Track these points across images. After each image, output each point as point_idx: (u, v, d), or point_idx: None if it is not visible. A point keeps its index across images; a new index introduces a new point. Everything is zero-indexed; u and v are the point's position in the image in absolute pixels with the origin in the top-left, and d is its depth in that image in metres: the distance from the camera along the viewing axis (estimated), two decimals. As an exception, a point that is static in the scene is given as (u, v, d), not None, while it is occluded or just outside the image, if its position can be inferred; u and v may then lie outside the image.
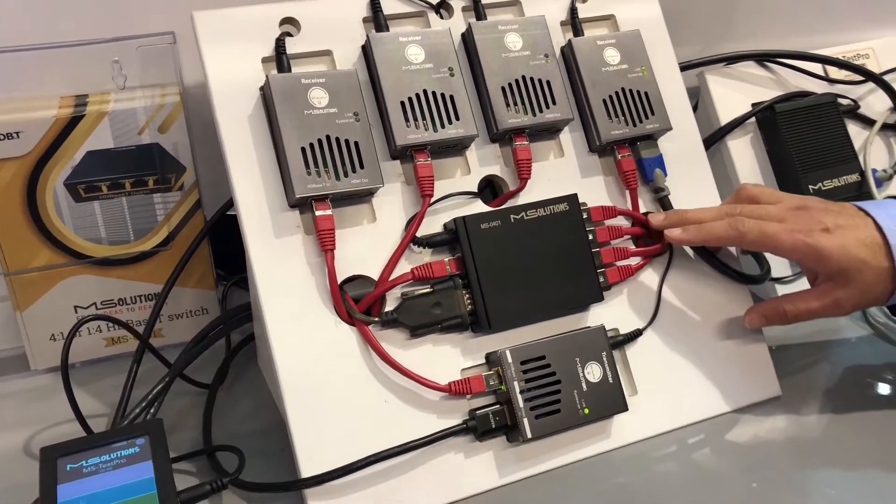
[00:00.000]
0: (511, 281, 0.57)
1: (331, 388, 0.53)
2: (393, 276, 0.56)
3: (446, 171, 0.60)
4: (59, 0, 0.67)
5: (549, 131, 0.63)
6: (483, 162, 0.61)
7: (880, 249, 0.56)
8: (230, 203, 0.70)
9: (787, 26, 0.89)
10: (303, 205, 0.55)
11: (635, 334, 0.61)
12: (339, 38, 0.59)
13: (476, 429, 0.55)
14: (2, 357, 0.72)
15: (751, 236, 0.58)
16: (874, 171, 0.81)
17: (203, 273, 0.73)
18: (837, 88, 0.84)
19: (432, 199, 0.58)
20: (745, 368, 0.63)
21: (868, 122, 0.84)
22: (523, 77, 0.61)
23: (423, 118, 0.57)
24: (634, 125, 0.63)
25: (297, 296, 0.54)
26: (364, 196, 0.57)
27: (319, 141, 0.55)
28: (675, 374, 0.62)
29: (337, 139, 0.55)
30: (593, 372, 0.57)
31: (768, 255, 0.68)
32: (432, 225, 0.58)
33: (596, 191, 0.63)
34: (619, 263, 0.62)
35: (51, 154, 0.65)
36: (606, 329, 0.59)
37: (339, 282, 0.55)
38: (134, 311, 0.72)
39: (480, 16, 0.62)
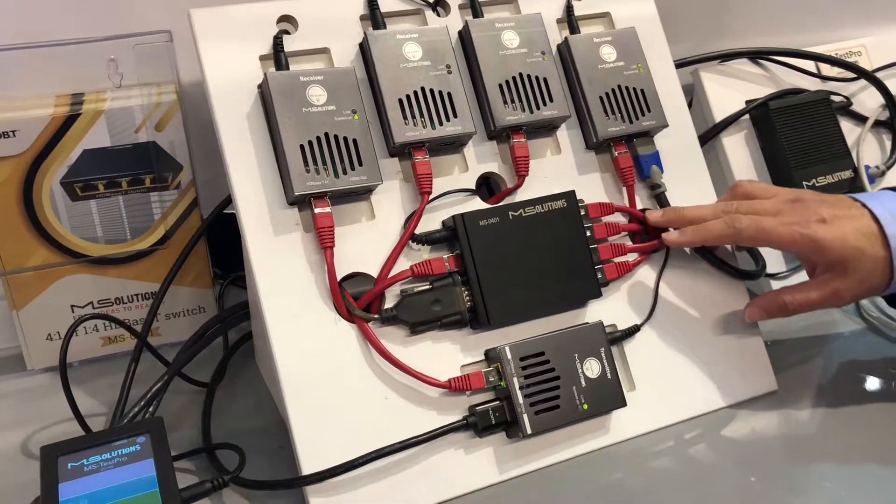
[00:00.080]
0: (510, 277, 0.57)
1: (331, 385, 0.54)
2: (392, 274, 0.56)
3: (444, 169, 0.60)
4: (55, -2, 0.67)
5: (546, 128, 0.63)
6: (481, 159, 0.61)
7: (877, 238, 0.56)
8: (227, 201, 0.70)
9: (780, 24, 0.89)
10: (302, 202, 0.55)
11: (633, 330, 0.61)
12: (336, 36, 0.59)
13: (476, 425, 0.55)
14: (-2, 357, 0.72)
15: (747, 232, 0.58)
16: (867, 167, 0.82)
17: (200, 272, 0.73)
18: (830, 85, 0.85)
19: (431, 197, 0.58)
20: (741, 363, 0.64)
21: (860, 118, 0.85)
22: (520, 74, 0.61)
23: (421, 115, 0.57)
24: (631, 122, 0.63)
25: (297, 293, 0.54)
26: (363, 193, 0.57)
27: (318, 138, 0.55)
28: (672, 370, 0.62)
29: (336, 137, 0.55)
30: (592, 368, 0.57)
31: (764, 251, 0.68)
32: (431, 222, 0.59)
33: (593, 188, 0.64)
34: (617, 260, 0.62)
35: (47, 153, 0.65)
36: (604, 325, 0.59)
37: (338, 279, 0.55)
38: (131, 311, 0.71)
39: (477, 13, 0.62)
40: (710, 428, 0.61)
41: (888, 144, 0.85)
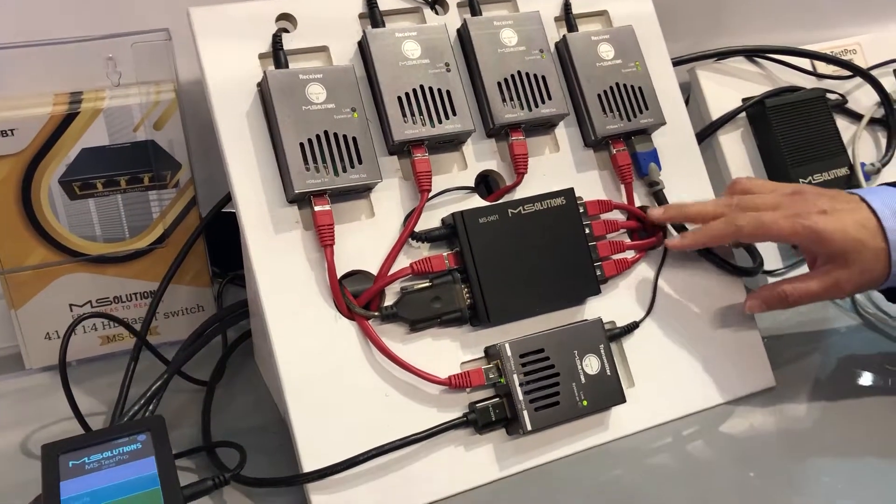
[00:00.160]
0: (509, 275, 0.57)
1: (331, 382, 0.54)
2: (392, 271, 0.56)
3: (443, 167, 0.60)
4: (53, -3, 0.67)
5: (545, 126, 0.63)
6: (479, 157, 0.61)
7: (876, 231, 0.57)
8: (225, 200, 0.70)
9: (775, 22, 0.90)
10: (301, 200, 0.56)
11: (632, 327, 0.62)
12: (335, 34, 0.59)
13: (476, 422, 0.55)
14: (-4, 356, 0.72)
15: (748, 229, 0.59)
16: (863, 164, 0.82)
17: (198, 270, 0.73)
18: (825, 83, 0.85)
19: (430, 195, 0.58)
20: (739, 360, 0.64)
21: (856, 116, 0.85)
22: (519, 72, 0.61)
23: (421, 113, 0.58)
24: (629, 120, 0.64)
25: (297, 291, 0.54)
26: (362, 191, 0.57)
27: (318, 136, 0.55)
28: (671, 366, 0.62)
29: (335, 135, 0.55)
30: (591, 364, 0.58)
31: (761, 248, 0.69)
32: (430, 220, 0.59)
33: (591, 185, 0.64)
34: (616, 257, 0.62)
35: (45, 151, 0.65)
36: (603, 322, 0.59)
37: (338, 277, 0.55)
38: (129, 309, 0.71)
39: (475, 11, 0.62)
40: (708, 424, 0.61)
41: (883, 142, 0.86)
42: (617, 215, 0.64)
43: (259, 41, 0.57)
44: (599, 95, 0.63)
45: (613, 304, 0.62)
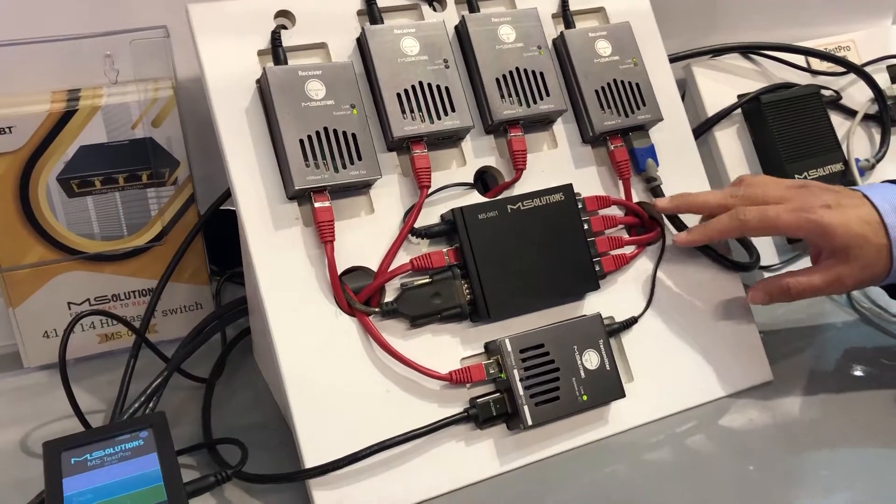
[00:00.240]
0: (509, 270, 0.58)
1: (332, 378, 0.54)
2: (392, 267, 0.56)
3: (442, 163, 0.60)
4: (51, -6, 0.67)
5: (543, 123, 0.64)
6: (478, 153, 0.62)
7: (879, 227, 0.57)
8: (223, 198, 0.70)
9: (770, 19, 0.90)
10: (301, 197, 0.56)
11: (630, 322, 0.62)
12: (334, 31, 0.59)
13: (477, 417, 0.55)
14: (-6, 355, 0.72)
15: (753, 223, 0.59)
16: (857, 160, 0.83)
17: (197, 268, 0.73)
18: (820, 80, 0.86)
19: (429, 191, 0.58)
20: (737, 354, 0.65)
21: (850, 112, 0.86)
22: (517, 69, 0.61)
23: (420, 110, 0.58)
24: (626, 116, 0.64)
25: (297, 288, 0.54)
26: (362, 188, 0.58)
27: (317, 133, 0.55)
28: (669, 361, 0.63)
29: (335, 131, 0.55)
30: (591, 359, 0.58)
31: (758, 243, 0.69)
32: (429, 216, 0.59)
33: (589, 181, 0.64)
34: (614, 252, 0.62)
35: (43, 149, 0.65)
36: (602, 317, 0.60)
37: (338, 273, 0.55)
38: (128, 307, 0.71)
39: (473, 8, 0.63)
40: (707, 418, 0.62)
41: (877, 137, 0.86)
42: (615, 211, 0.64)
43: (258, 38, 0.57)
44: (597, 92, 0.64)
45: (612, 299, 0.62)
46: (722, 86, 0.81)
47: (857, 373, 0.67)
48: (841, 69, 0.86)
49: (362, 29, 0.58)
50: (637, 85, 0.65)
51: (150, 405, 0.60)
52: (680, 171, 0.67)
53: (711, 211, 0.63)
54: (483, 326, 0.58)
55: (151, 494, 0.46)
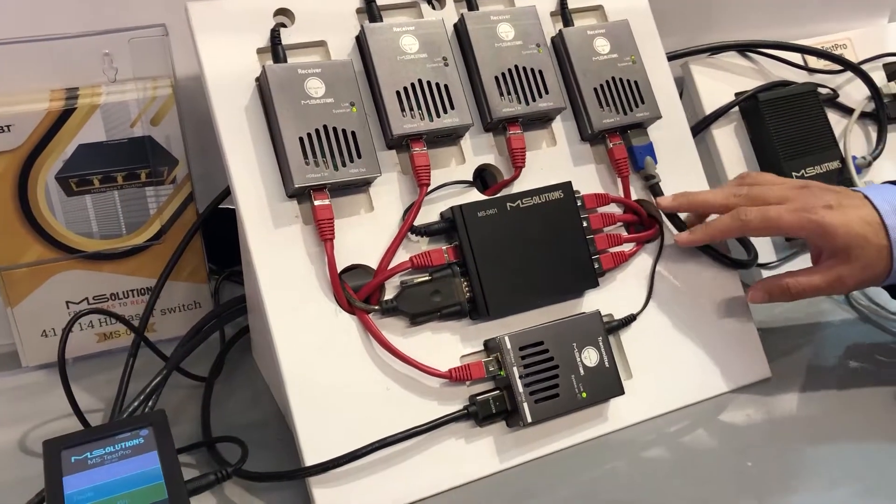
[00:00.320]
0: (508, 268, 0.58)
1: (332, 376, 0.54)
2: (391, 265, 0.56)
3: (441, 161, 0.60)
4: (49, -8, 0.67)
5: (542, 120, 0.64)
6: (477, 151, 0.62)
7: (879, 228, 0.58)
8: (222, 196, 0.70)
9: (767, 17, 0.90)
10: (301, 195, 0.56)
11: (629, 319, 0.62)
12: (333, 29, 0.59)
13: (477, 414, 0.56)
14: (-7, 354, 0.72)
15: (754, 223, 0.59)
16: (854, 157, 0.83)
17: (195, 267, 0.72)
18: (817, 78, 0.86)
19: (429, 189, 0.58)
20: (735, 351, 0.65)
21: (847, 110, 0.86)
22: (516, 67, 0.61)
23: (419, 108, 0.58)
24: (625, 113, 0.64)
25: (297, 286, 0.54)
26: (361, 186, 0.58)
27: (317, 131, 0.55)
28: (668, 358, 0.63)
29: (334, 129, 0.55)
30: (590, 356, 0.58)
31: (755, 241, 0.69)
32: (429, 214, 0.59)
33: (588, 179, 0.64)
34: (613, 250, 0.63)
35: (42, 147, 0.65)
36: (601, 314, 0.60)
37: (338, 271, 0.55)
38: (126, 306, 0.71)
39: (472, 6, 0.63)
40: (705, 415, 0.62)
41: (874, 135, 0.87)
42: (614, 208, 0.64)
43: (257, 36, 0.57)
44: (596, 89, 0.64)
45: (611, 296, 0.62)
46: (719, 84, 0.82)
47: (855, 370, 0.68)
48: (838, 67, 0.86)
49: (361, 27, 0.58)
50: (635, 83, 0.65)
51: (150, 404, 0.60)
52: (678, 169, 0.67)
53: (714, 210, 0.63)
54: (483, 324, 0.58)
55: (152, 492, 0.46)
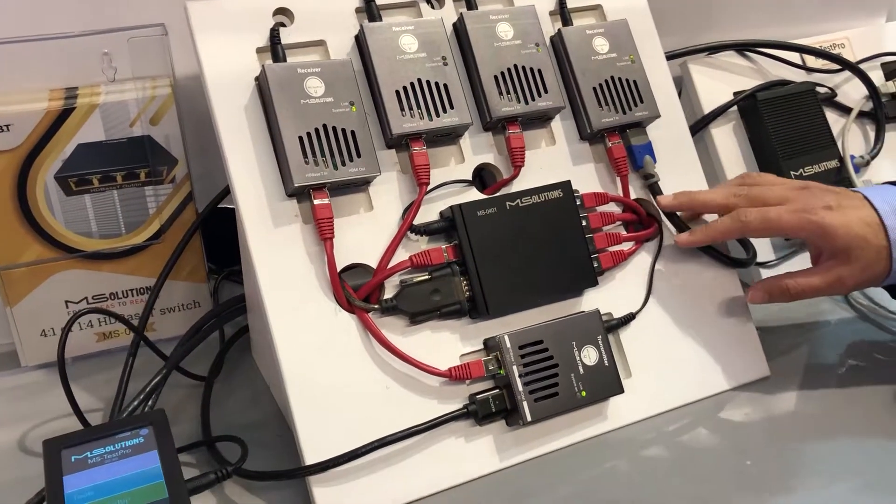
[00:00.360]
0: (507, 267, 0.58)
1: (332, 375, 0.54)
2: (391, 264, 0.56)
3: (441, 160, 0.61)
4: (47, -8, 0.67)
5: (541, 120, 0.64)
6: (476, 150, 0.62)
7: (879, 229, 0.58)
8: (221, 196, 0.70)
9: (765, 17, 0.90)
10: (301, 194, 0.56)
11: (628, 318, 0.62)
12: (332, 28, 0.59)
13: (476, 413, 0.56)
14: (-8, 354, 0.72)
15: (754, 224, 0.60)
16: (852, 157, 0.83)
17: (195, 266, 0.72)
18: (815, 77, 0.86)
19: (428, 188, 0.58)
20: (734, 350, 0.65)
21: (845, 109, 0.86)
22: (515, 66, 0.61)
23: (418, 107, 0.58)
24: (624, 113, 0.64)
25: (297, 285, 0.54)
26: (361, 185, 0.58)
27: (316, 130, 0.55)
28: (667, 357, 0.63)
29: (334, 128, 0.55)
30: (589, 355, 0.58)
31: (753, 240, 0.69)
32: (428, 213, 0.59)
33: (587, 178, 0.64)
34: (612, 249, 0.63)
35: (41, 147, 0.65)
36: (601, 313, 0.60)
37: (337, 270, 0.55)
38: (126, 306, 0.71)
39: (471, 6, 0.63)
40: (704, 413, 0.62)
41: (872, 134, 0.87)
42: (613, 207, 0.64)
43: (256, 35, 0.57)
44: (595, 89, 0.64)
45: (610, 295, 0.62)
46: (718, 83, 0.82)
47: (853, 368, 0.68)
48: (836, 66, 0.86)
49: (361, 26, 0.59)
50: (634, 82, 0.65)
51: (149, 403, 0.60)
52: (677, 168, 0.67)
53: (714, 210, 0.63)
54: (482, 323, 0.58)
55: (153, 491, 0.46)
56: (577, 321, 0.59)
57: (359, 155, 0.56)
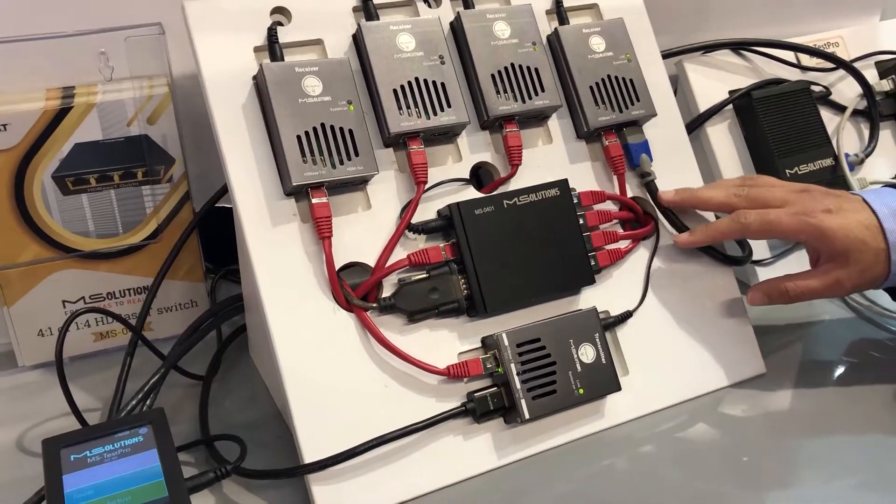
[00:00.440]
0: (505, 265, 0.58)
1: (331, 374, 0.54)
2: (389, 263, 0.57)
3: (438, 159, 0.61)
4: (44, -9, 0.67)
5: (538, 118, 0.64)
6: (474, 149, 0.62)
7: (877, 231, 0.58)
8: (219, 195, 0.70)
9: (760, 16, 0.91)
10: (299, 193, 0.56)
11: (625, 316, 0.62)
12: (329, 27, 0.59)
13: (474, 411, 0.56)
14: (-11, 354, 0.72)
15: (754, 226, 0.60)
16: (847, 155, 0.83)
17: (192, 266, 0.72)
18: (809, 76, 0.86)
19: (426, 186, 0.58)
20: (731, 347, 0.65)
21: (839, 108, 0.86)
22: (512, 65, 0.62)
23: (416, 106, 0.58)
24: (621, 111, 0.64)
25: (296, 284, 0.55)
26: (359, 184, 0.58)
27: (315, 129, 0.55)
28: (664, 354, 0.63)
29: (332, 127, 0.55)
30: (587, 353, 0.58)
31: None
32: (426, 212, 0.59)
33: (584, 176, 0.65)
34: (609, 247, 0.63)
35: (38, 147, 0.65)
36: (598, 311, 0.60)
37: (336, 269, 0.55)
38: (123, 305, 0.71)
39: (468, 4, 0.63)
40: (701, 410, 0.62)
41: (866, 133, 0.87)
42: (610, 206, 0.64)
43: (254, 34, 0.57)
44: (591, 87, 0.64)
45: (607, 293, 0.63)
46: (713, 82, 0.82)
47: (848, 365, 0.68)
48: (830, 65, 0.86)
49: (358, 25, 0.59)
50: (631, 81, 0.65)
51: (147, 402, 0.60)
52: (673, 166, 0.67)
53: (715, 208, 0.64)
54: (480, 321, 0.59)
55: (152, 490, 0.46)
56: (575, 319, 0.59)
57: (357, 154, 0.56)
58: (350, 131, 0.56)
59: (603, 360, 0.59)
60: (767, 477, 0.55)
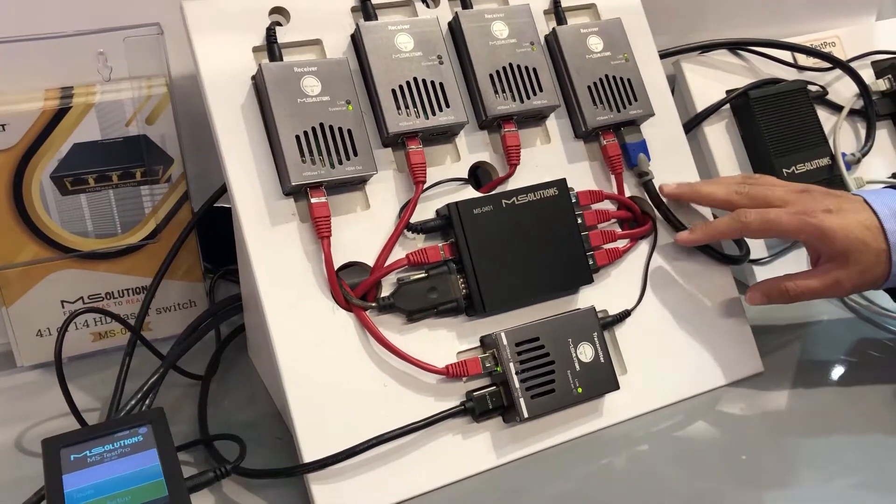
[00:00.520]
0: (504, 265, 0.58)
1: (330, 373, 0.54)
2: (388, 262, 0.57)
3: (437, 159, 0.61)
4: (42, -9, 0.67)
5: (536, 118, 0.64)
6: (472, 149, 0.62)
7: (878, 232, 0.58)
8: (217, 195, 0.70)
9: (757, 16, 0.91)
10: (298, 192, 0.56)
11: (624, 315, 0.62)
12: (328, 28, 0.59)
13: (473, 410, 0.56)
14: (-13, 354, 0.72)
15: (754, 225, 0.60)
16: (843, 154, 0.84)
17: (191, 265, 0.73)
18: (806, 75, 0.87)
19: (425, 186, 0.58)
20: (728, 346, 0.65)
21: (836, 107, 0.87)
22: (510, 65, 0.62)
23: (415, 106, 0.58)
24: (619, 111, 0.65)
25: (295, 283, 0.55)
26: (357, 183, 0.58)
27: (313, 129, 0.55)
28: (662, 353, 0.63)
29: (330, 127, 0.55)
30: (585, 352, 0.58)
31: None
32: (424, 211, 0.59)
33: (582, 176, 0.65)
34: (607, 246, 0.63)
35: (37, 147, 0.65)
36: (596, 310, 0.60)
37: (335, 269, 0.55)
38: (122, 305, 0.71)
39: (466, 4, 0.63)
40: (699, 409, 0.62)
41: (863, 132, 0.87)
42: (608, 205, 0.65)
43: (253, 34, 0.57)
44: (589, 87, 0.64)
45: (606, 292, 0.63)
46: (710, 81, 0.82)
47: (846, 364, 0.68)
48: (827, 65, 0.87)
49: (357, 25, 0.59)
50: (628, 80, 0.66)
51: (146, 402, 0.60)
52: (671, 166, 0.67)
53: (716, 204, 0.64)
54: (479, 320, 0.59)
55: (152, 489, 0.46)
56: (573, 318, 0.59)
57: (355, 153, 0.56)
58: (349, 131, 0.56)
59: (601, 359, 0.59)
60: (766, 476, 0.55)
